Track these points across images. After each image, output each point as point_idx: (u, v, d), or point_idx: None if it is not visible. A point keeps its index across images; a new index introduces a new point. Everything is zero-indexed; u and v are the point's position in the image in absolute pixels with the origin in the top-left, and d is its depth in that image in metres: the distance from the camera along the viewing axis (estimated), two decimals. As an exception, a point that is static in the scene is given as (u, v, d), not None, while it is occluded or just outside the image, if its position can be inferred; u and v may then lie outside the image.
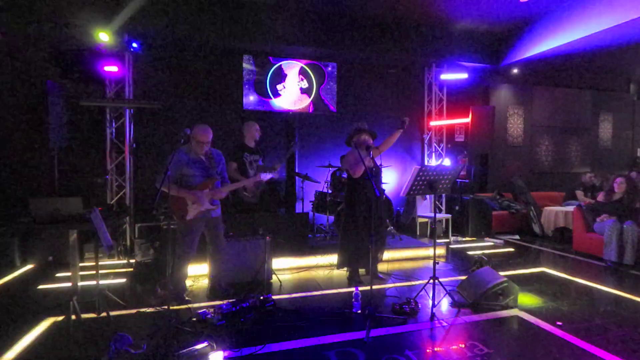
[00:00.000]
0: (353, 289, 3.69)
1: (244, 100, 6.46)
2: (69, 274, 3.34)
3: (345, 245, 4.21)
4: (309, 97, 6.81)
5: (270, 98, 6.61)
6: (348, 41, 6.34)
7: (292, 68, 6.71)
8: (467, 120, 7.21)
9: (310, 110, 6.84)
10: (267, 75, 6.56)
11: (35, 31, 5.36)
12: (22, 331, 3.07)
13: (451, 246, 6.20)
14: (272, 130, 6.62)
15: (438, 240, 5.97)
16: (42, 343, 2.92)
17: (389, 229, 5.91)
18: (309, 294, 4.00)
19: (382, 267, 4.72)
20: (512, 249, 6.10)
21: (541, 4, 5.83)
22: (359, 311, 3.43)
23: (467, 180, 7.63)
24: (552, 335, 3.09)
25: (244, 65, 6.42)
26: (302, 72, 6.75)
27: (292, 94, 6.73)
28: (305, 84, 6.77)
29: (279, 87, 6.64)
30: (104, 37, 5.08)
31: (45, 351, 2.81)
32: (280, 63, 6.61)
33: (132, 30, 5.38)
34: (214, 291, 3.86)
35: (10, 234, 4.79)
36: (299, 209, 6.28)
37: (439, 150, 7.38)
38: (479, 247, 6.15)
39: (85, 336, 2.97)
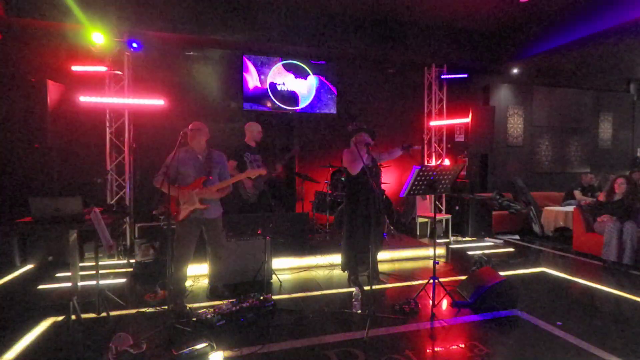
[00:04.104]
0: (353, 289, 3.69)
1: (244, 103, 6.47)
2: (69, 274, 3.33)
3: (348, 246, 4.19)
4: (312, 74, 6.80)
5: (297, 107, 6.74)
6: (348, 41, 6.34)
7: (282, 76, 6.66)
8: (467, 120, 7.21)
9: (325, 81, 6.85)
10: (275, 99, 6.60)
11: (36, 30, 5.37)
12: (22, 331, 3.07)
13: (451, 246, 6.20)
14: (272, 130, 6.62)
15: (438, 240, 5.97)
16: (42, 343, 2.92)
17: (389, 229, 5.91)
18: (309, 294, 4.00)
19: (382, 267, 4.72)
20: (512, 249, 6.10)
21: (541, 4, 5.83)
22: (359, 311, 3.43)
23: (467, 180, 7.63)
24: (552, 335, 3.09)
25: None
26: (286, 67, 6.70)
27: (302, 88, 6.75)
28: (297, 72, 6.76)
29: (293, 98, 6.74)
30: (98, 38, 5.05)
31: (45, 351, 2.81)
32: (270, 81, 6.57)
33: (132, 30, 5.37)
34: (213, 291, 3.86)
35: (10, 234, 4.78)
36: (299, 209, 6.28)
37: (439, 150, 7.38)
38: (479, 247, 6.15)
39: (85, 336, 2.97)
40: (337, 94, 6.96)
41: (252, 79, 6.49)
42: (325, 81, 6.88)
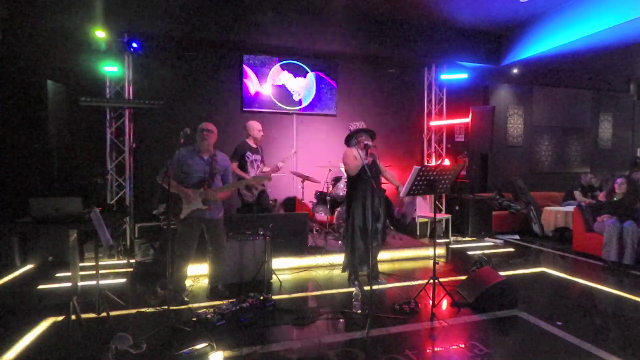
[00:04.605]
0: (353, 289, 3.69)
1: (244, 102, 6.47)
2: (69, 274, 3.34)
3: (349, 247, 4.19)
4: (310, 71, 6.78)
5: (299, 106, 6.74)
6: (348, 41, 6.33)
7: (281, 76, 6.64)
8: (467, 120, 7.20)
9: (325, 76, 6.83)
10: (277, 101, 6.60)
11: (35, 30, 5.37)
12: (22, 331, 3.07)
13: (451, 246, 6.20)
14: (272, 130, 6.63)
15: (438, 240, 5.97)
16: (42, 343, 2.92)
17: (389, 229, 5.91)
18: (309, 294, 4.00)
19: (382, 267, 4.72)
20: (512, 249, 6.10)
21: (541, 4, 5.83)
22: (359, 311, 3.43)
23: (467, 180, 7.63)
24: (552, 335, 3.09)
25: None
26: (284, 67, 6.66)
27: (302, 86, 6.75)
28: (295, 72, 6.74)
29: (295, 98, 6.74)
30: (100, 34, 5.06)
31: (45, 351, 2.81)
32: (271, 84, 6.56)
33: (132, 30, 5.38)
34: (213, 292, 3.86)
35: (10, 234, 4.78)
36: (299, 209, 6.28)
37: (439, 150, 7.38)
38: (479, 247, 6.15)
39: (85, 336, 2.97)
40: (337, 87, 6.95)
41: (253, 84, 6.49)
42: (325, 76, 6.87)
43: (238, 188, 4.81)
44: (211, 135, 3.61)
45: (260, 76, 6.53)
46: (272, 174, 4.57)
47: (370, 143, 3.97)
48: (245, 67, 6.43)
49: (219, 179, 3.69)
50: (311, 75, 6.80)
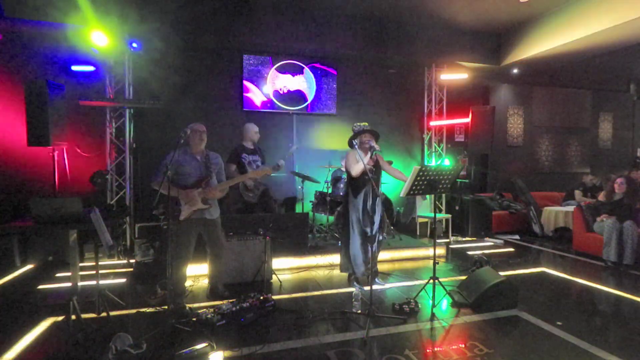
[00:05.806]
0: (353, 289, 3.69)
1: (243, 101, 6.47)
2: (69, 274, 3.33)
3: (347, 247, 4.17)
4: (306, 66, 6.78)
5: (305, 103, 6.76)
6: (348, 41, 6.33)
7: (280, 79, 6.66)
8: (467, 120, 7.21)
9: (322, 66, 6.82)
10: (281, 104, 6.64)
11: (35, 31, 5.37)
12: (22, 331, 3.07)
13: (451, 246, 6.20)
14: (272, 130, 6.63)
15: (438, 240, 5.97)
16: (42, 343, 2.92)
17: (389, 229, 5.91)
18: (309, 294, 4.00)
19: (382, 267, 4.72)
20: (512, 249, 6.10)
21: (541, 4, 5.83)
22: (359, 311, 3.43)
23: (467, 180, 7.63)
24: (552, 335, 3.09)
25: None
26: (280, 69, 6.66)
27: (302, 84, 6.75)
28: (293, 71, 6.74)
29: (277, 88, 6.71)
30: (101, 39, 5.04)
31: (45, 351, 2.81)
32: (273, 89, 6.58)
33: (132, 30, 5.37)
34: (213, 291, 3.86)
35: (10, 234, 4.78)
36: (299, 209, 6.28)
37: (439, 150, 7.38)
38: (479, 247, 6.15)
39: (85, 336, 2.97)
40: (338, 74, 6.93)
41: (256, 96, 6.51)
42: (322, 66, 6.86)
43: (240, 189, 4.82)
44: (199, 134, 3.63)
45: (261, 79, 6.52)
46: (273, 173, 4.57)
47: (374, 144, 3.91)
48: (245, 82, 6.45)
49: (214, 178, 3.70)
50: (307, 70, 6.78)
